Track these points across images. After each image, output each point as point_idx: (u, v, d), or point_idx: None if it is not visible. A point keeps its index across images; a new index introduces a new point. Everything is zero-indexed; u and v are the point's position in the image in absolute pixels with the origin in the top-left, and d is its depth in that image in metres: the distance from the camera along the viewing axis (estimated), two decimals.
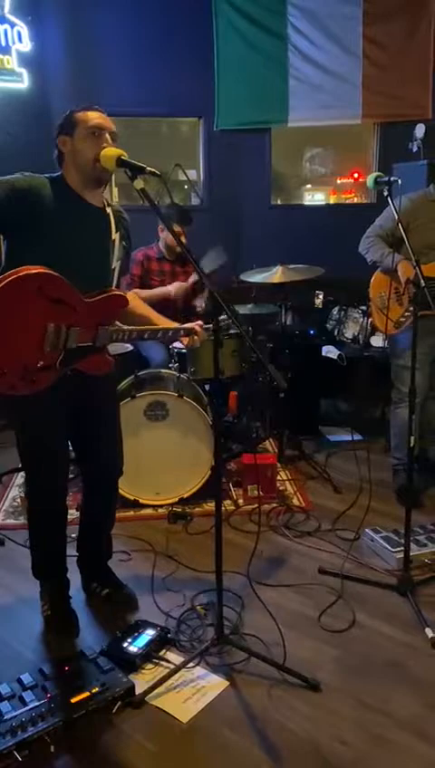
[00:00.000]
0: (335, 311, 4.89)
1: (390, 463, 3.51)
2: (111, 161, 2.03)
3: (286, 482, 3.67)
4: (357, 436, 4.14)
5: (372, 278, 3.40)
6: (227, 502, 3.39)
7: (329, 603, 2.54)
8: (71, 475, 2.64)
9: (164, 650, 2.27)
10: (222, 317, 2.46)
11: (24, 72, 4.52)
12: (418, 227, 3.11)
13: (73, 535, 2.54)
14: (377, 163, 5.52)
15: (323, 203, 7.87)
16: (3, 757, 1.78)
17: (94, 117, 2.08)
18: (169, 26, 4.97)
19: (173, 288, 3.85)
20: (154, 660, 2.23)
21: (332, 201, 7.93)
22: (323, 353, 4.53)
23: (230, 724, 1.97)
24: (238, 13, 5.03)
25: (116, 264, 2.20)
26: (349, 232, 4.09)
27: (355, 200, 7.64)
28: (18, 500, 3.42)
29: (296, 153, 7.82)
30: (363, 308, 4.62)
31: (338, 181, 8.13)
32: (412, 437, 2.55)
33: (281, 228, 5.31)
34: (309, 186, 8.31)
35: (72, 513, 2.57)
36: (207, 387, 3.64)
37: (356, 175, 7.81)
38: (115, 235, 2.20)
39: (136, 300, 2.42)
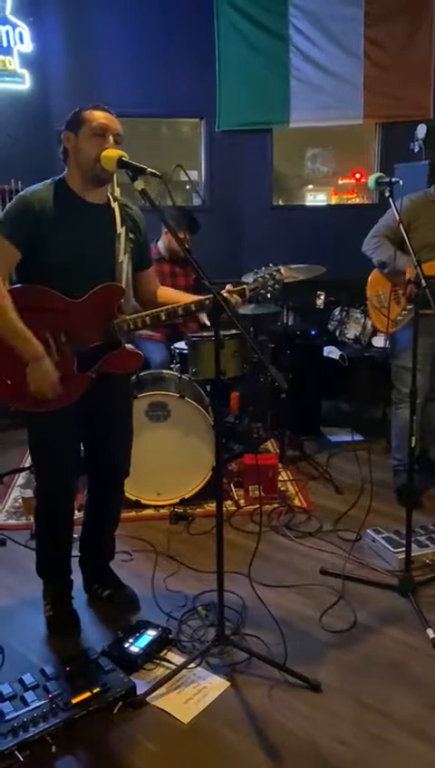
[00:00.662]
0: (337, 311, 4.89)
1: (391, 463, 3.51)
2: (111, 162, 2.03)
3: (288, 482, 3.67)
4: (358, 437, 4.14)
5: (370, 277, 3.40)
6: (229, 502, 3.39)
7: (330, 604, 2.54)
8: None
9: (165, 651, 2.28)
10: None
11: (26, 73, 4.53)
12: (419, 227, 3.11)
13: (76, 536, 2.54)
14: (378, 164, 5.52)
15: (325, 203, 7.87)
16: (4, 757, 1.79)
17: (100, 117, 2.08)
18: (170, 27, 4.98)
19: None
20: (155, 661, 2.23)
21: (333, 202, 7.93)
22: (325, 354, 4.53)
23: (231, 724, 1.97)
24: (240, 14, 5.04)
25: (124, 258, 2.19)
26: (350, 232, 4.09)
27: (357, 201, 7.64)
28: (20, 500, 3.43)
29: (298, 154, 7.81)
30: (365, 309, 4.61)
31: (340, 182, 8.13)
32: (413, 438, 2.55)
33: (282, 229, 5.31)
34: (311, 186, 8.30)
35: (76, 514, 2.57)
36: (208, 387, 3.64)
37: (358, 175, 7.81)
38: (121, 229, 2.19)
39: (167, 290, 2.43)
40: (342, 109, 5.19)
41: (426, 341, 3.10)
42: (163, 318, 2.18)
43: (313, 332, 4.61)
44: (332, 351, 4.56)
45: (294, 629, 2.38)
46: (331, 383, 4.49)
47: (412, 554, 2.60)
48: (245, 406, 4.03)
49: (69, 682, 2.03)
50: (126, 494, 3.17)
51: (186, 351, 3.55)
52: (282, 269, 2.24)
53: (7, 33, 4.40)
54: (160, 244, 3.97)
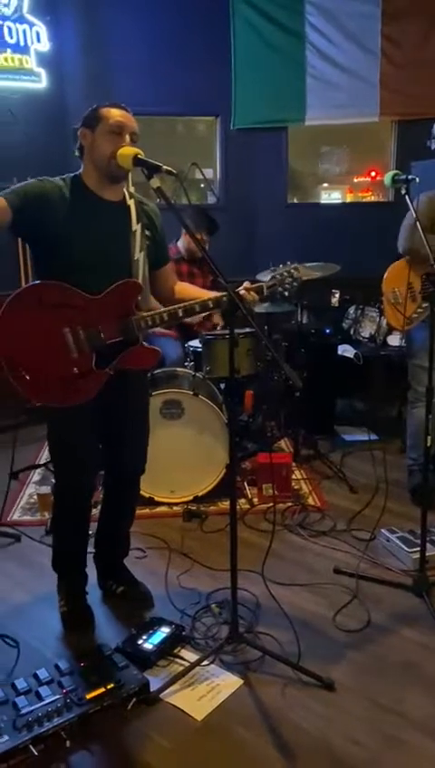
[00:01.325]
0: (352, 309, 4.87)
1: (405, 463, 3.49)
2: (127, 160, 2.03)
3: (301, 481, 3.66)
4: (373, 436, 4.12)
5: (386, 273, 3.37)
6: (242, 501, 3.39)
7: (344, 603, 2.53)
8: None
9: (179, 648, 2.28)
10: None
11: (43, 71, 4.54)
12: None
13: (91, 532, 2.55)
14: (395, 161, 5.49)
15: (340, 202, 7.83)
16: (19, 751, 1.80)
17: (117, 115, 2.09)
18: (186, 25, 4.98)
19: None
20: (169, 657, 2.24)
21: (348, 200, 7.90)
22: (340, 352, 4.51)
23: (244, 722, 1.97)
24: (256, 11, 5.03)
25: (139, 255, 2.19)
26: (365, 230, 4.09)
27: (372, 199, 7.60)
28: (35, 497, 3.45)
29: (313, 152, 7.78)
30: (381, 306, 4.59)
31: (355, 180, 8.09)
32: (428, 437, 2.54)
33: (297, 227, 5.30)
34: (326, 184, 8.27)
35: (92, 510, 2.58)
36: (222, 386, 3.64)
37: (373, 173, 7.77)
38: (136, 227, 2.19)
39: (185, 286, 2.43)
40: (358, 106, 5.17)
41: None
42: (181, 314, 2.17)
43: (327, 331, 4.60)
44: (346, 350, 4.54)
45: (308, 628, 2.37)
46: (345, 382, 4.48)
47: (427, 554, 2.59)
48: (258, 404, 4.03)
49: (83, 678, 2.04)
50: (140, 492, 3.18)
51: (200, 349, 3.55)
52: (299, 267, 2.23)
53: (24, 32, 4.42)
54: (180, 244, 3.98)
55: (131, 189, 2.32)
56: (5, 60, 4.35)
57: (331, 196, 8.17)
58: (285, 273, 2.21)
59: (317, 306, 4.89)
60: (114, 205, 2.19)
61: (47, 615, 2.48)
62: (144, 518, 3.17)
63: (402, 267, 3.25)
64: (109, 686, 2.00)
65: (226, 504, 3.29)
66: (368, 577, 2.68)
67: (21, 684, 2.01)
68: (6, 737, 1.82)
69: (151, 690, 2.05)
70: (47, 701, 1.94)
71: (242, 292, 2.15)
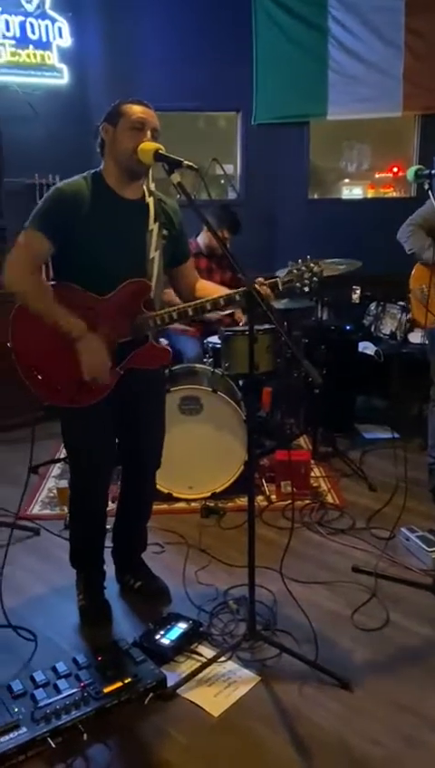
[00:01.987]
0: (373, 306, 4.82)
1: (426, 462, 3.45)
2: (148, 155, 2.03)
3: (320, 479, 3.64)
4: (393, 434, 4.08)
5: (414, 269, 3.34)
6: (260, 497, 3.38)
7: (362, 602, 2.51)
8: None
9: (196, 644, 2.28)
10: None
11: (65, 67, 4.56)
12: None
13: (109, 526, 2.56)
14: (417, 157, 5.43)
15: (361, 197, 7.76)
16: (37, 743, 1.81)
17: (139, 111, 2.08)
18: (208, 20, 4.96)
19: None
20: (186, 653, 2.24)
21: (370, 196, 7.83)
22: (360, 349, 4.47)
23: (261, 719, 1.97)
24: (278, 6, 4.99)
25: (155, 254, 2.19)
26: (387, 226, 4.02)
27: (394, 195, 7.52)
28: (54, 491, 3.47)
29: (334, 147, 7.72)
30: (402, 303, 4.54)
31: (377, 176, 8.02)
32: None
33: (318, 223, 5.26)
34: (347, 180, 8.21)
35: (110, 505, 2.59)
36: (240, 382, 3.63)
37: (395, 169, 7.69)
38: (153, 225, 2.19)
39: (206, 284, 2.43)
40: (380, 101, 5.11)
41: None
42: (191, 313, 2.17)
43: (348, 328, 4.56)
44: (367, 347, 4.50)
45: (326, 626, 2.36)
46: (366, 379, 4.44)
47: None
48: (277, 401, 4.01)
49: (100, 672, 2.05)
50: (159, 487, 3.19)
51: (219, 346, 3.54)
52: (319, 262, 2.21)
53: (46, 27, 4.43)
54: (200, 240, 3.97)
55: (152, 186, 2.32)
56: (28, 56, 4.37)
57: (352, 191, 8.10)
58: (304, 268, 2.19)
59: (338, 303, 4.85)
60: (133, 203, 2.19)
61: (66, 608, 2.50)
62: (162, 513, 3.17)
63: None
64: (126, 681, 2.01)
65: (244, 501, 3.28)
66: (387, 576, 2.66)
67: (39, 676, 2.03)
68: (25, 729, 1.84)
69: (168, 685, 2.05)
70: (65, 694, 1.96)
71: (256, 287, 2.13)
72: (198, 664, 2.16)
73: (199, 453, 3.31)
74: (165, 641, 2.24)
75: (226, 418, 3.30)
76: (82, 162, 2.21)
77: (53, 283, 2.12)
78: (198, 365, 3.56)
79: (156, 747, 1.88)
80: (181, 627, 2.31)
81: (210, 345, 3.69)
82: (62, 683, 2.00)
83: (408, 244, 3.25)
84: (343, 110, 5.16)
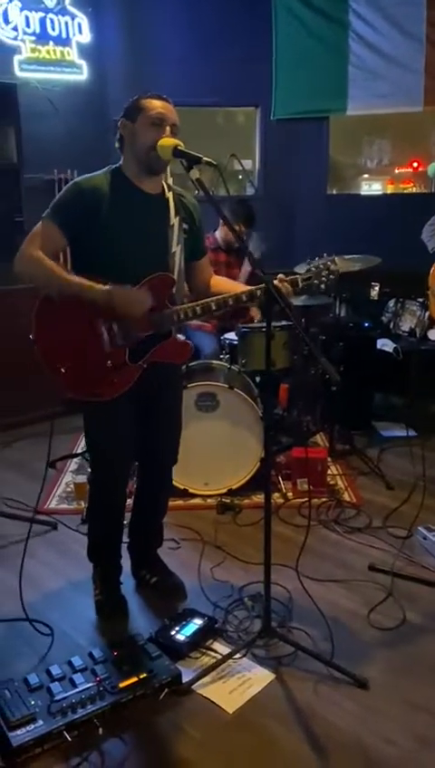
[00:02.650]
0: (391, 303, 4.79)
1: None
2: (167, 151, 2.02)
3: (337, 476, 3.63)
4: (411, 432, 4.05)
5: (433, 267, 3.31)
6: (276, 495, 3.38)
7: (379, 601, 2.50)
8: None
9: (211, 640, 2.28)
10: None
11: (84, 63, 4.56)
12: None
13: (125, 522, 2.57)
14: None
15: (381, 193, 7.71)
16: (53, 737, 1.83)
17: (158, 106, 2.08)
18: (227, 15, 4.94)
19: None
20: (201, 649, 2.24)
21: (389, 191, 7.77)
22: (379, 346, 4.44)
23: (276, 717, 1.96)
24: (299, 0, 4.96)
25: (176, 248, 2.18)
26: (407, 222, 3.99)
27: (413, 190, 7.46)
28: (72, 486, 3.49)
29: (354, 142, 7.67)
30: (421, 300, 4.50)
31: (396, 171, 7.96)
32: None
33: (337, 218, 5.23)
34: (366, 176, 8.16)
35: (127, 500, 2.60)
36: (257, 379, 3.62)
37: (415, 164, 7.62)
38: (174, 220, 2.19)
39: (220, 279, 2.42)
40: (401, 96, 5.05)
41: None
42: (213, 308, 2.17)
43: (366, 324, 4.52)
44: (385, 344, 4.47)
45: (341, 625, 2.35)
46: (384, 377, 4.41)
47: None
48: (294, 398, 4.00)
49: (116, 666, 2.06)
50: (175, 483, 3.20)
51: (235, 342, 3.54)
52: (337, 259, 2.19)
53: (66, 23, 4.44)
54: (218, 234, 3.96)
55: (169, 181, 2.32)
56: (47, 52, 4.38)
57: (371, 187, 8.05)
58: (322, 266, 2.17)
59: (356, 299, 4.82)
60: (153, 197, 2.18)
61: (82, 603, 2.51)
62: (178, 509, 3.18)
63: None
64: (141, 676, 2.02)
65: (260, 498, 3.28)
66: (404, 575, 2.64)
67: (56, 670, 2.04)
68: (41, 722, 1.85)
69: (183, 681, 2.06)
70: (81, 688, 1.97)
71: (276, 283, 2.11)
72: (213, 660, 2.17)
73: (216, 449, 3.31)
74: (180, 637, 2.25)
75: (242, 415, 3.30)
76: (100, 158, 2.21)
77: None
78: (214, 361, 3.55)
79: (171, 743, 1.89)
80: (197, 623, 2.31)
81: (227, 341, 3.68)
82: (78, 677, 2.01)
83: (432, 243, 3.22)
84: (363, 105, 5.11)
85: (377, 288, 4.91)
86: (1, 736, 1.84)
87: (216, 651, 2.23)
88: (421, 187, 7.26)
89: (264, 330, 2.11)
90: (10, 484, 3.54)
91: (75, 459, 3.89)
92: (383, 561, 2.74)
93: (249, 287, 2.22)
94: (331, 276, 2.17)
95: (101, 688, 1.97)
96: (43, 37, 4.36)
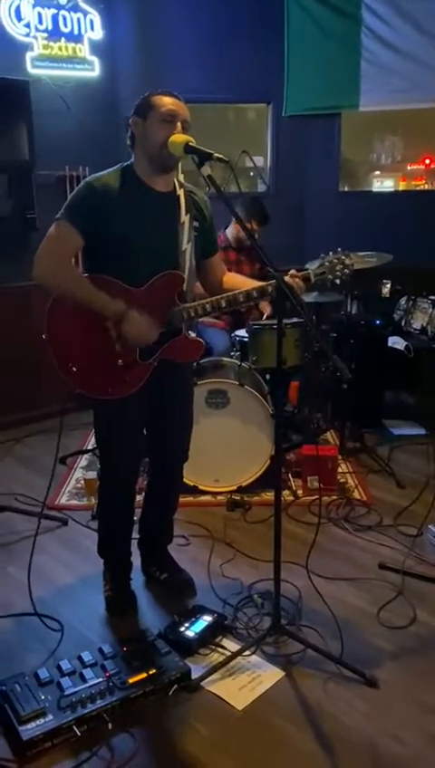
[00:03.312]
0: (403, 300, 4.76)
1: None
2: (178, 147, 2.02)
3: (347, 475, 3.62)
4: (423, 430, 4.03)
5: None
6: (286, 492, 3.37)
7: (389, 599, 2.49)
8: None
9: (220, 637, 2.28)
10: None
11: (96, 60, 4.56)
12: None
13: (135, 518, 2.58)
14: None
15: (392, 190, 7.66)
16: (63, 731, 1.84)
17: (169, 102, 2.07)
18: (238, 12, 4.92)
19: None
20: (210, 646, 2.24)
21: (401, 188, 7.72)
22: (390, 344, 4.41)
23: (285, 714, 1.96)
24: None
25: (187, 246, 2.18)
26: (419, 219, 3.97)
27: (426, 187, 7.41)
28: (82, 482, 3.50)
29: (365, 139, 7.63)
30: (433, 298, 4.48)
31: (408, 167, 7.91)
32: None
33: (349, 215, 5.20)
34: (378, 172, 8.11)
35: (137, 497, 2.60)
36: (267, 376, 3.61)
37: (428, 161, 7.57)
38: (185, 218, 2.18)
39: (233, 276, 2.42)
40: (414, 91, 5.00)
41: None
42: (224, 305, 2.17)
43: (377, 322, 4.50)
44: (397, 342, 4.44)
45: (351, 623, 2.35)
46: (395, 374, 4.38)
47: None
48: (304, 395, 3.99)
49: (126, 662, 2.07)
50: (185, 480, 3.20)
51: (246, 339, 3.53)
52: (350, 254, 2.18)
53: (78, 20, 4.44)
54: (228, 232, 3.96)
55: (181, 178, 2.31)
56: (60, 48, 4.38)
57: (383, 184, 8.00)
58: (335, 261, 2.16)
59: (367, 296, 4.79)
60: (164, 195, 2.18)
61: (92, 598, 2.52)
62: (188, 506, 3.18)
63: None
64: (151, 672, 2.02)
65: (270, 495, 3.28)
66: (414, 573, 2.63)
67: (66, 665, 2.05)
68: (51, 716, 1.86)
69: (193, 678, 2.06)
70: (91, 683, 1.98)
71: (287, 279, 2.10)
72: (223, 657, 2.17)
73: (226, 446, 3.31)
74: (190, 633, 2.25)
75: (252, 412, 3.29)
76: (112, 155, 2.21)
77: (85, 275, 2.12)
78: (225, 358, 3.55)
79: (179, 739, 1.89)
80: (206, 619, 2.31)
81: (238, 338, 3.68)
82: (87, 672, 2.02)
83: None
84: (376, 101, 5.07)
85: (389, 285, 4.88)
86: (11, 730, 1.85)
87: (225, 648, 2.23)
88: (433, 184, 7.22)
89: (275, 327, 2.11)
90: (20, 480, 3.56)
91: (85, 455, 3.90)
92: (394, 560, 2.74)
93: (261, 283, 2.21)
94: (345, 271, 2.16)
95: (111, 684, 1.98)
96: (55, 34, 4.36)
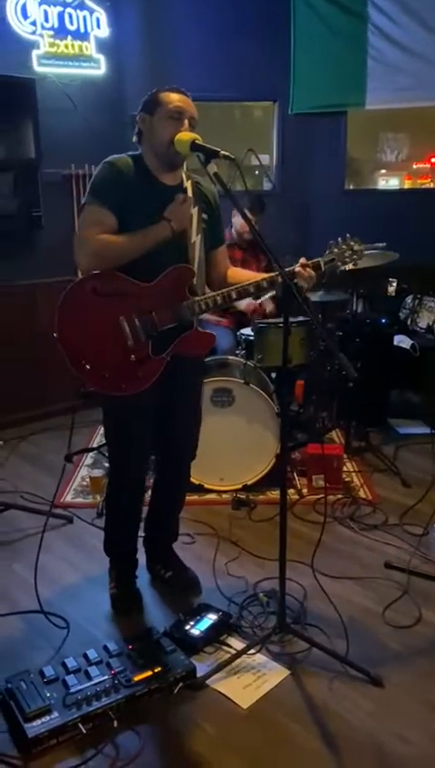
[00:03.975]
0: (409, 299, 4.75)
1: None
2: (185, 145, 2.01)
3: (353, 473, 3.61)
4: (429, 429, 4.02)
5: None
6: (291, 491, 3.36)
7: (394, 598, 2.49)
8: None
9: (225, 635, 2.29)
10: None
11: (102, 58, 4.56)
12: None
13: (142, 516, 2.58)
14: None
15: (398, 188, 7.64)
16: (68, 729, 1.84)
17: (176, 99, 2.07)
18: (245, 9, 4.91)
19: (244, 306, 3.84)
20: (215, 644, 2.24)
21: (407, 186, 7.69)
22: (395, 343, 4.40)
23: (290, 713, 1.96)
24: None
25: (196, 238, 2.18)
26: (425, 218, 3.95)
27: (431, 186, 7.38)
28: (87, 480, 3.51)
29: (371, 137, 7.60)
30: None
31: (414, 166, 7.88)
32: None
33: (354, 213, 5.18)
34: (383, 171, 8.08)
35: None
36: (273, 375, 3.61)
37: (434, 160, 7.54)
38: (193, 210, 2.18)
39: (237, 270, 2.41)
40: (421, 90, 4.99)
41: None
42: (235, 296, 2.16)
43: (383, 321, 4.48)
44: (402, 341, 4.43)
45: (357, 622, 2.34)
46: (400, 373, 4.37)
47: None
48: (310, 394, 3.98)
49: (131, 660, 2.07)
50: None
51: (252, 338, 3.53)
52: (359, 241, 2.16)
53: (84, 18, 4.44)
54: (232, 230, 3.95)
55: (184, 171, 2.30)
56: (66, 46, 4.38)
57: (388, 182, 7.97)
58: (345, 247, 2.15)
59: (373, 295, 4.78)
60: (173, 189, 2.17)
61: (97, 596, 2.53)
62: (193, 504, 3.18)
63: None
64: (156, 670, 2.02)
65: (275, 494, 3.27)
66: (420, 573, 2.62)
67: (71, 663, 2.05)
68: (56, 714, 1.86)
69: (198, 676, 2.06)
70: (96, 681, 1.98)
71: (298, 269, 2.09)
72: (228, 655, 2.17)
73: (231, 445, 3.30)
74: (195, 632, 2.25)
75: (258, 411, 3.29)
76: (118, 152, 2.20)
77: (96, 272, 2.11)
78: (230, 357, 3.54)
79: (184, 737, 1.89)
80: (211, 618, 2.31)
81: (243, 337, 3.67)
82: (93, 670, 2.02)
83: None
84: (382, 99, 5.05)
85: (394, 284, 4.86)
86: (17, 728, 1.85)
87: (230, 646, 2.23)
88: None
89: (280, 325, 2.10)
90: (26, 478, 3.57)
91: (91, 453, 3.90)
92: (399, 559, 2.73)
93: (269, 274, 2.19)
94: (355, 257, 2.14)
95: (116, 681, 1.98)
96: (61, 32, 4.35)
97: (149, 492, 2.61)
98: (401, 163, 7.92)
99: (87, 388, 2.21)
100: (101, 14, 4.51)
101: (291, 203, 5.14)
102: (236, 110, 6.46)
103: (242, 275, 2.35)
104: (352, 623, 2.31)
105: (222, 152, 1.96)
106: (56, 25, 4.33)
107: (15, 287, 4.26)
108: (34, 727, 1.82)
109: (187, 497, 2.72)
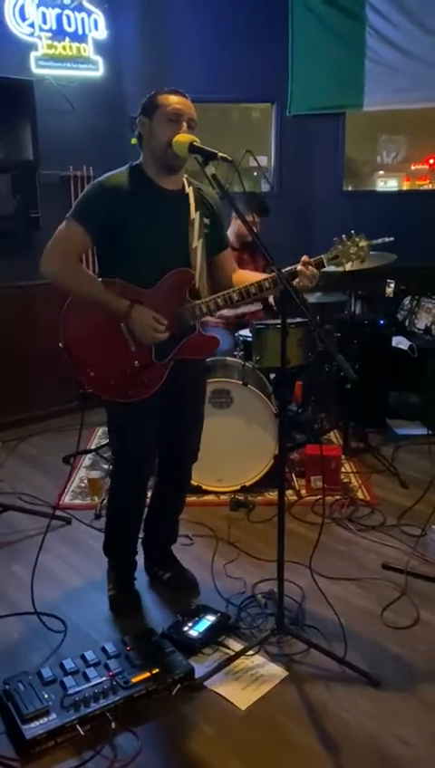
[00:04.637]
0: (407, 300, 4.75)
1: None
2: (183, 147, 2.01)
3: (351, 474, 3.61)
4: (427, 430, 4.02)
5: None
6: (290, 492, 3.36)
7: (392, 599, 2.49)
8: None
9: (224, 636, 2.28)
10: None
11: (100, 59, 4.56)
12: None
13: (143, 517, 2.58)
14: None
15: (396, 189, 7.65)
16: (66, 730, 1.84)
17: (175, 101, 2.07)
18: (243, 11, 4.92)
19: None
20: (214, 646, 2.24)
21: (405, 188, 7.71)
22: (394, 344, 4.41)
23: (289, 714, 1.96)
24: None
25: (197, 243, 2.17)
26: (423, 219, 3.96)
27: (430, 187, 7.40)
28: (86, 481, 3.51)
29: (369, 138, 7.62)
30: None
31: (412, 167, 7.90)
32: None
33: (353, 215, 5.19)
34: (382, 172, 8.10)
35: None
36: (271, 376, 3.61)
37: (432, 161, 7.57)
38: (194, 215, 2.18)
39: (243, 272, 2.40)
40: (419, 91, 5.00)
41: None
42: (236, 298, 2.14)
43: (381, 322, 4.49)
44: (401, 342, 4.44)
45: (355, 623, 2.34)
46: (399, 374, 4.38)
47: None
48: (308, 395, 3.98)
49: (129, 661, 2.07)
50: None
51: (250, 339, 3.53)
52: (363, 237, 2.16)
53: (83, 20, 4.44)
54: (229, 232, 3.95)
55: (185, 176, 2.31)
56: (64, 48, 4.38)
57: (387, 183, 7.99)
58: (349, 243, 2.14)
59: (371, 296, 4.79)
60: (173, 194, 2.18)
61: (95, 597, 2.53)
62: (192, 506, 3.17)
63: None
64: (154, 671, 2.02)
65: (273, 495, 3.28)
66: (418, 574, 2.63)
67: (69, 664, 2.05)
68: (54, 715, 1.86)
69: (196, 677, 2.06)
70: (94, 682, 1.98)
71: (300, 267, 2.08)
72: (226, 657, 2.17)
73: (229, 446, 3.30)
74: (193, 633, 2.25)
75: (256, 412, 3.29)
76: (116, 154, 2.21)
77: (99, 280, 2.12)
78: (228, 358, 3.54)
79: (183, 738, 1.89)
80: (209, 619, 2.31)
81: (241, 338, 3.68)
82: (91, 671, 2.02)
83: None
84: (380, 100, 5.07)
85: (392, 285, 4.87)
86: (15, 729, 1.85)
87: (228, 648, 2.23)
88: None
89: (279, 326, 2.10)
90: (25, 479, 3.56)
91: (89, 455, 3.90)
92: (397, 560, 2.73)
93: (266, 275, 2.18)
94: (360, 253, 2.14)
95: (114, 683, 1.98)
96: (59, 33, 4.36)
97: (150, 493, 2.61)
98: (400, 164, 7.94)
99: (86, 390, 2.21)
100: (99, 15, 4.51)
101: (289, 204, 5.14)
102: (235, 112, 6.47)
103: (248, 278, 2.33)
104: (351, 624, 2.31)
105: (220, 154, 1.96)
106: (54, 27, 4.33)
107: (14, 288, 4.26)
108: (32, 729, 1.82)
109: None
